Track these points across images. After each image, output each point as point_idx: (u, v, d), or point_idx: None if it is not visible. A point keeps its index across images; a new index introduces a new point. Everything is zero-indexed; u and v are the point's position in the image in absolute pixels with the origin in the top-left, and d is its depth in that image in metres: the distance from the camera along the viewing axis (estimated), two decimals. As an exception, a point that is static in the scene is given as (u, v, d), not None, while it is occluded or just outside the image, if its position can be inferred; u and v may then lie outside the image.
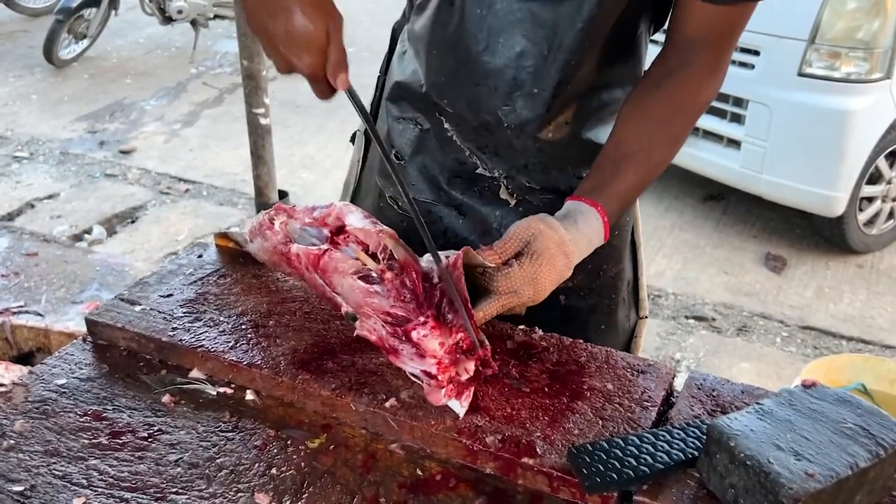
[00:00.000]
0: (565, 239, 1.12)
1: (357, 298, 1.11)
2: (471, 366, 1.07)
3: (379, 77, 1.49)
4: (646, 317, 1.56)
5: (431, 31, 1.27)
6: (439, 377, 1.04)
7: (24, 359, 1.59)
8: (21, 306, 1.63)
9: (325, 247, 1.17)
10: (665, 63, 1.23)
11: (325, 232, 1.19)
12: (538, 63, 1.21)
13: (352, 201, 1.55)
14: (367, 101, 1.21)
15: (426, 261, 1.12)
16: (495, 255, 1.10)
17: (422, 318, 1.05)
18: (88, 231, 4.32)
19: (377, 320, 1.09)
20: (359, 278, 1.12)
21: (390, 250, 1.12)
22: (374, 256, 1.14)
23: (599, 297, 1.43)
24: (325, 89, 1.05)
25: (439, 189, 1.37)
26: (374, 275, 1.11)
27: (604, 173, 1.19)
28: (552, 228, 1.12)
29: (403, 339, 1.06)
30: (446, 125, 1.33)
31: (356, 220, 1.17)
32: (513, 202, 1.35)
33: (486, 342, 1.09)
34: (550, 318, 1.27)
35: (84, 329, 1.30)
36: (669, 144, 1.22)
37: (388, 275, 1.10)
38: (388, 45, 1.49)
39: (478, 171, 1.34)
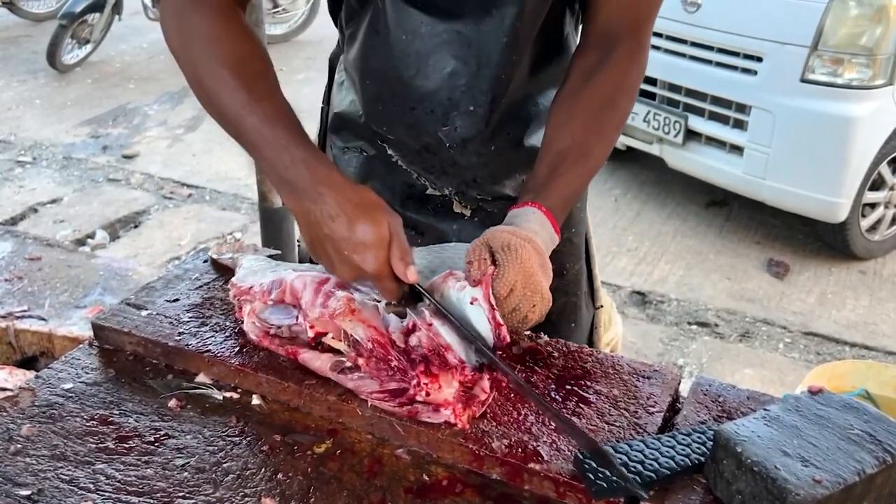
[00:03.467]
0: (516, 230, 1.10)
1: (349, 387, 1.11)
2: (485, 384, 1.07)
3: (322, 107, 1.47)
4: (601, 307, 1.55)
5: (362, 60, 1.26)
6: (461, 420, 1.05)
7: (28, 363, 1.59)
8: (24, 310, 1.63)
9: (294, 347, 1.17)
10: (585, 57, 1.22)
11: (294, 312, 1.18)
12: (470, 81, 1.21)
13: None
14: (311, 132, 1.15)
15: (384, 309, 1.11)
16: (476, 265, 1.07)
17: (415, 381, 1.05)
18: (91, 235, 4.33)
19: (378, 399, 1.09)
20: (339, 373, 1.11)
21: (352, 336, 1.10)
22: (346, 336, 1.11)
23: (566, 295, 1.43)
24: (392, 287, 1.05)
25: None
26: (348, 364, 1.11)
27: (539, 176, 1.18)
28: (500, 229, 1.11)
29: (413, 403, 1.06)
30: (390, 151, 1.34)
31: (308, 298, 1.15)
32: (468, 213, 1.36)
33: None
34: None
35: (87, 333, 1.30)
36: (602, 136, 1.20)
37: (361, 361, 1.10)
38: (327, 75, 1.47)
39: (427, 191, 1.34)
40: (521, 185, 1.32)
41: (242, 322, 1.23)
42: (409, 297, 1.08)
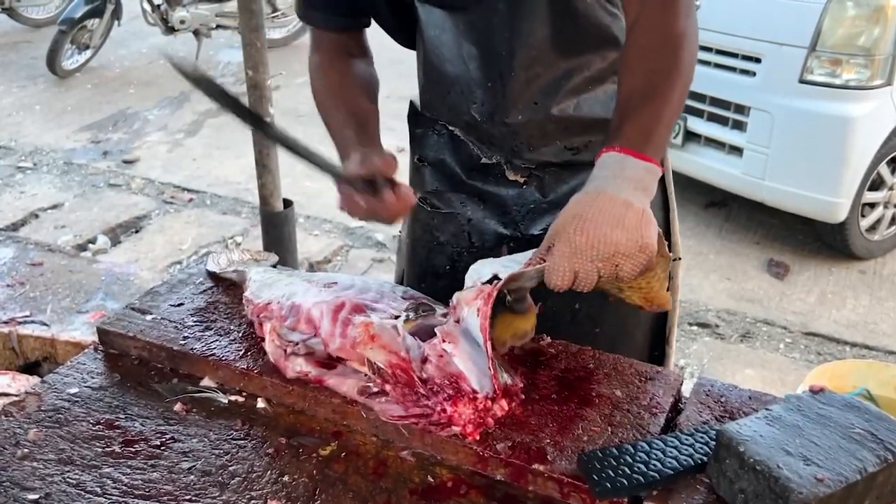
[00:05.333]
0: (581, 197, 1.10)
1: (374, 409, 1.11)
2: (503, 403, 1.09)
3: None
4: (679, 259, 1.55)
5: (417, 59, 1.47)
6: (472, 435, 1.06)
7: (31, 368, 1.60)
8: (27, 316, 1.64)
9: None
10: (629, 13, 1.25)
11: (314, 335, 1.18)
12: (483, 60, 1.35)
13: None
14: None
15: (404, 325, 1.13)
16: (535, 259, 1.10)
17: (439, 408, 1.06)
18: (93, 241, 4.33)
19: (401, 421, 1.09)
20: (367, 398, 1.11)
21: (375, 364, 1.11)
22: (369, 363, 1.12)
23: None
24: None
25: (461, 182, 1.46)
26: (375, 389, 1.11)
27: (612, 126, 1.19)
28: (564, 209, 1.10)
29: (434, 424, 1.07)
30: (450, 128, 1.46)
31: (327, 327, 1.16)
32: (522, 181, 1.43)
33: (508, 378, 1.10)
34: None
35: (90, 338, 1.31)
36: (660, 58, 1.20)
37: (388, 386, 1.10)
38: None
39: (482, 160, 1.44)
40: (563, 151, 1.40)
41: (263, 339, 1.22)
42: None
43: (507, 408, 1.09)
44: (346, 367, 1.15)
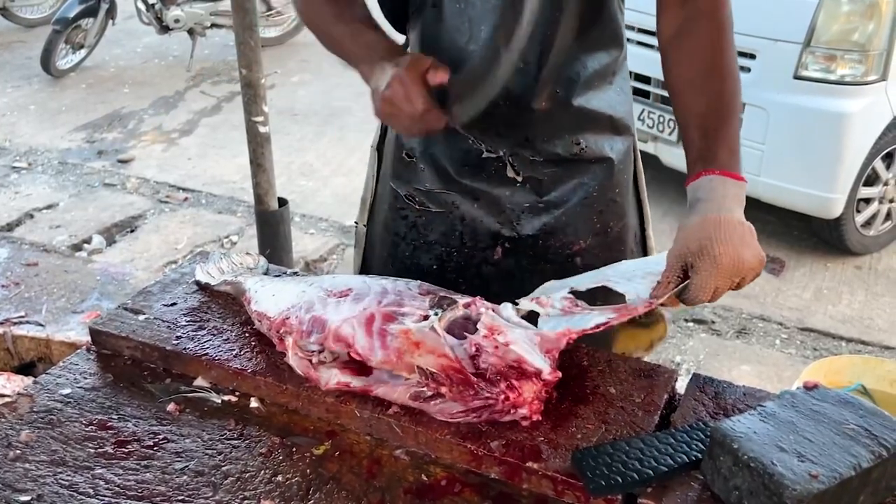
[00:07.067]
0: (705, 221, 1.16)
1: (431, 412, 1.10)
2: (555, 375, 1.10)
3: None
4: None
5: (421, 36, 1.40)
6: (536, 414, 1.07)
7: (26, 369, 1.60)
8: (22, 317, 1.64)
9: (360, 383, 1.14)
10: (669, 17, 1.32)
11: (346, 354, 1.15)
12: (520, 38, 1.28)
13: (369, 214, 1.59)
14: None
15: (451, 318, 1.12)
16: (662, 288, 1.15)
17: (502, 397, 1.06)
18: (88, 241, 4.32)
19: (462, 417, 1.09)
20: (421, 402, 1.10)
21: (427, 369, 1.09)
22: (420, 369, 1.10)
23: (610, 251, 1.49)
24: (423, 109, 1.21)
25: (451, 180, 1.43)
26: (428, 392, 1.09)
27: (696, 142, 1.26)
28: (693, 232, 1.15)
29: (500, 413, 1.08)
30: None
31: (363, 343, 1.12)
32: (520, 179, 1.41)
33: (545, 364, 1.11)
34: None
35: (85, 338, 1.31)
36: (725, 77, 1.28)
37: (444, 388, 1.08)
38: None
39: (483, 155, 1.41)
40: (572, 145, 1.40)
41: (286, 355, 1.19)
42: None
43: (557, 376, 1.09)
44: (383, 371, 1.12)
